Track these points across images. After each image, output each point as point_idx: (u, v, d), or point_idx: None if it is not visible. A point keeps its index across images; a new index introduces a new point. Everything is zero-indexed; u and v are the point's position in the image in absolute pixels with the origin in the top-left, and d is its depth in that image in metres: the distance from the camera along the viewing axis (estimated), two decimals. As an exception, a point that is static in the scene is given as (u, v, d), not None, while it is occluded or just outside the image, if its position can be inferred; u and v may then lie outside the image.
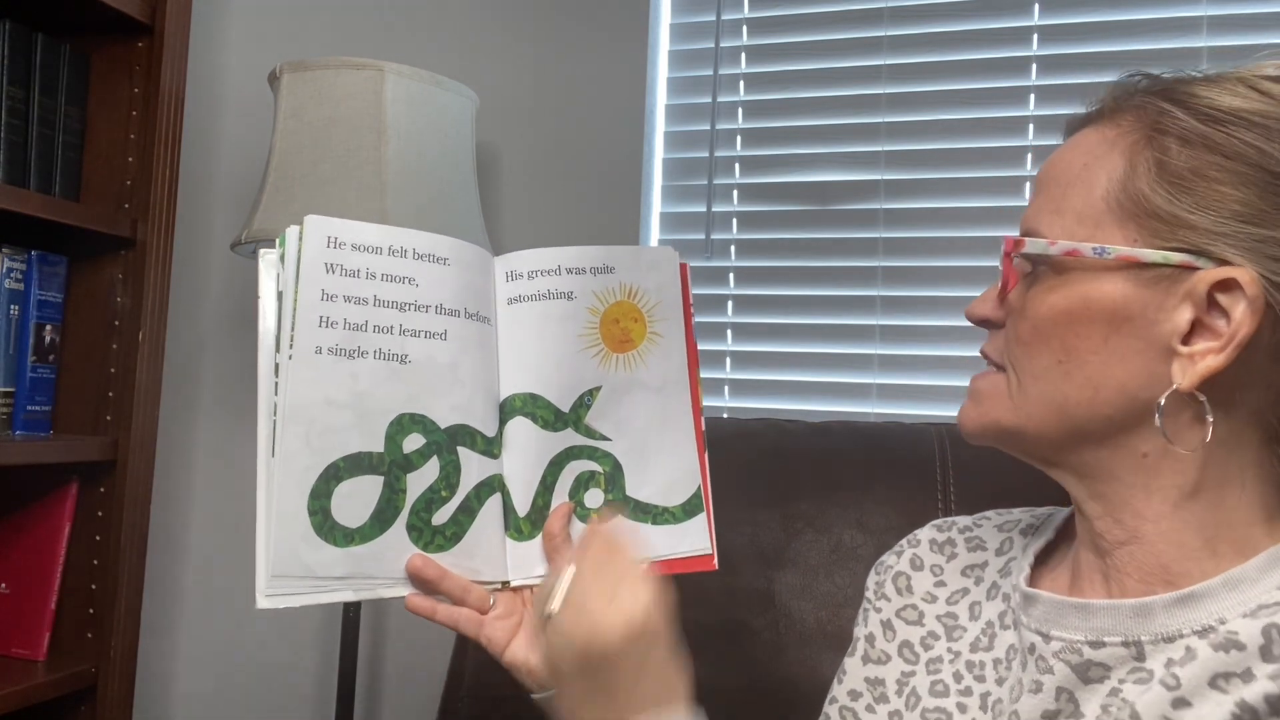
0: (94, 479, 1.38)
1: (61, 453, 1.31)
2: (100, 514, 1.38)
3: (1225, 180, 0.58)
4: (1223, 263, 0.57)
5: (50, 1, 1.36)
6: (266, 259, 0.72)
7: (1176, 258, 0.58)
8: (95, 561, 1.37)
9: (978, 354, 0.69)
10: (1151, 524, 0.61)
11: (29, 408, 1.35)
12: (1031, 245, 0.62)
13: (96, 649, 1.36)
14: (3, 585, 1.38)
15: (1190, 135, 0.59)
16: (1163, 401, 0.58)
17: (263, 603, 0.67)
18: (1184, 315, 0.58)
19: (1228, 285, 0.57)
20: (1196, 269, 0.58)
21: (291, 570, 0.68)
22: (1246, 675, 0.55)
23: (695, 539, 0.81)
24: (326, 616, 1.61)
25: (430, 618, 0.73)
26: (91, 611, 1.37)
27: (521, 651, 0.74)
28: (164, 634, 1.67)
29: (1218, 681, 0.56)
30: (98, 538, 1.37)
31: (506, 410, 0.78)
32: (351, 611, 1.35)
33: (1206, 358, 0.57)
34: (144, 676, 1.62)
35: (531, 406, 0.78)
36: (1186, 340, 0.58)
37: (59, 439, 1.34)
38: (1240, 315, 0.57)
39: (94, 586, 1.37)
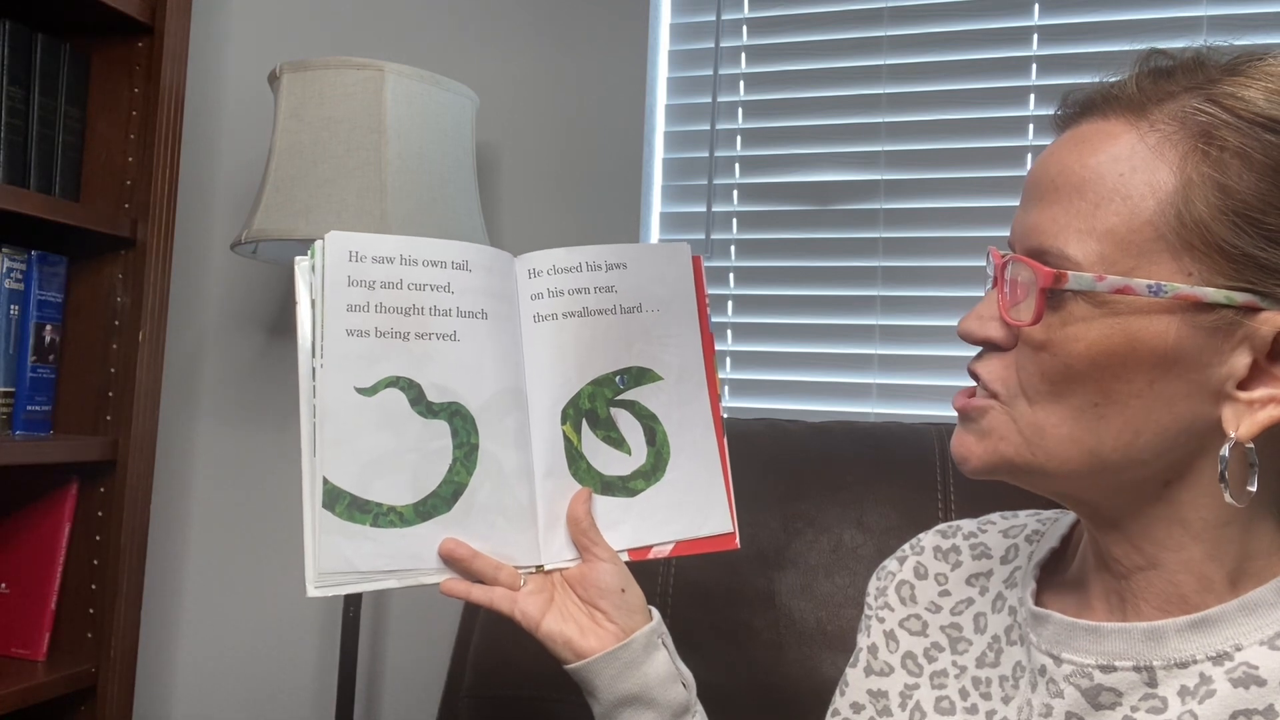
0: (94, 479, 1.38)
1: (61, 453, 1.31)
2: (100, 514, 1.38)
3: None
4: None
5: (50, 1, 1.36)
6: (301, 265, 0.77)
7: (1240, 298, 0.52)
8: (95, 561, 1.37)
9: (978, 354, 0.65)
10: (1172, 553, 0.57)
11: (29, 408, 1.35)
12: (1076, 280, 0.54)
13: (96, 649, 1.36)
14: (3, 585, 1.38)
15: (1250, 152, 0.52)
16: (1226, 453, 0.53)
17: (313, 592, 0.74)
18: (1241, 360, 0.53)
19: None
20: (1261, 310, 0.52)
21: (336, 566, 0.74)
22: (1269, 712, 0.53)
23: (717, 519, 0.83)
24: (326, 617, 1.61)
25: (466, 598, 0.77)
26: (91, 611, 1.37)
27: (556, 624, 0.77)
28: (164, 634, 1.67)
29: (1238, 719, 0.54)
30: (98, 538, 1.38)
31: (550, 414, 0.82)
32: (351, 611, 1.35)
33: (1268, 407, 0.53)
34: (144, 676, 1.62)
35: (571, 411, 0.82)
36: (1243, 385, 0.54)
37: (59, 439, 1.34)
38: None
39: (94, 586, 1.37)
